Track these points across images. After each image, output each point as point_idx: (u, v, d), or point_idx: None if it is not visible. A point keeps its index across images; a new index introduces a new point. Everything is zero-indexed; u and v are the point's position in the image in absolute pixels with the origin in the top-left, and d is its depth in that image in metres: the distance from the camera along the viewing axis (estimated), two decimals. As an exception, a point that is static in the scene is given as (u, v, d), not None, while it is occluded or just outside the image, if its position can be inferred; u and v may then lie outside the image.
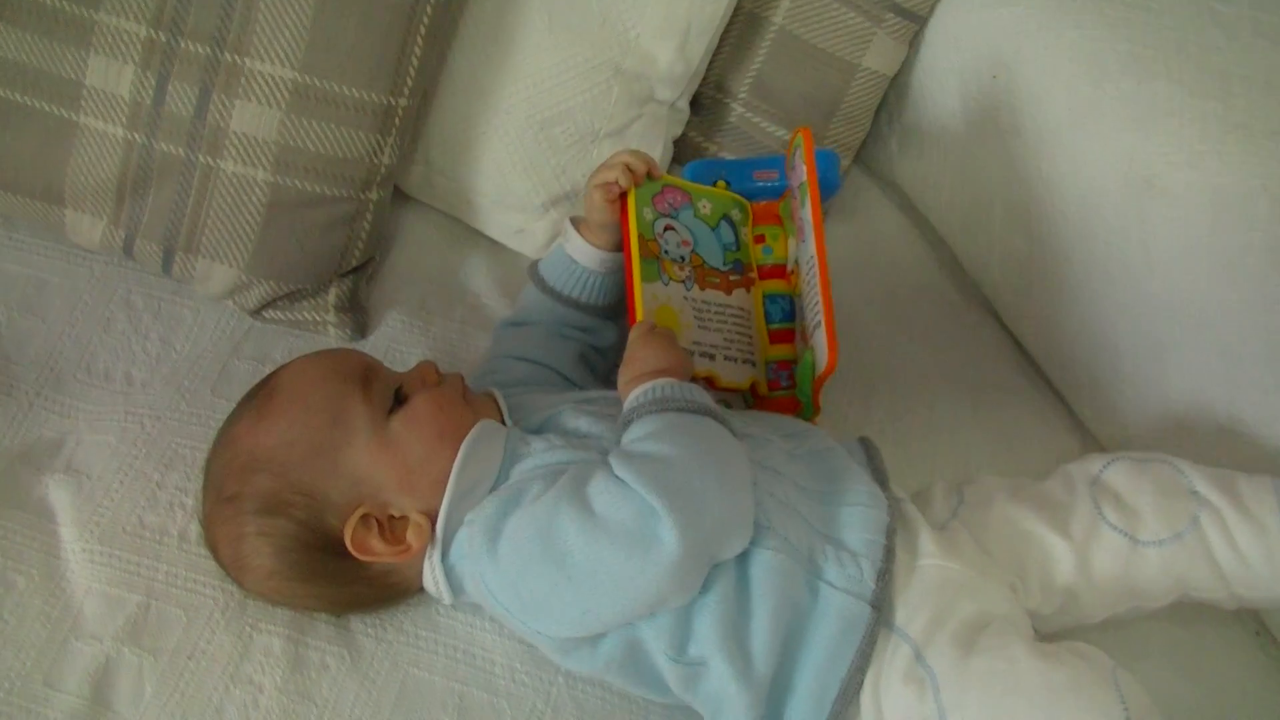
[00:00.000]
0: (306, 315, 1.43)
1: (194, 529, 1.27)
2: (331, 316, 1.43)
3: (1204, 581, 1.18)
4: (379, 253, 1.50)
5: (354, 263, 1.43)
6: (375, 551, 1.15)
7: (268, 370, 1.38)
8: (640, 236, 1.25)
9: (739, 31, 1.54)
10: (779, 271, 1.37)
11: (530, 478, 1.12)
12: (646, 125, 1.49)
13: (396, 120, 1.37)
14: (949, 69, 1.54)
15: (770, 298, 1.35)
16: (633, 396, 1.12)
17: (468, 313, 1.51)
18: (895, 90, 1.61)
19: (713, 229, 1.34)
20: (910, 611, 1.11)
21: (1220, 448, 1.30)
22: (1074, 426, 1.50)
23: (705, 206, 1.34)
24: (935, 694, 1.05)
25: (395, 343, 1.46)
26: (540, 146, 1.47)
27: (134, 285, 1.49)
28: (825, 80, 1.54)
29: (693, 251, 1.31)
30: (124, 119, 1.36)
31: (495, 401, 1.24)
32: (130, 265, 1.50)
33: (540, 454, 1.15)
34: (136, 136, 1.36)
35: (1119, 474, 1.22)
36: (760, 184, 1.38)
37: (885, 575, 1.11)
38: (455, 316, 1.50)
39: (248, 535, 1.17)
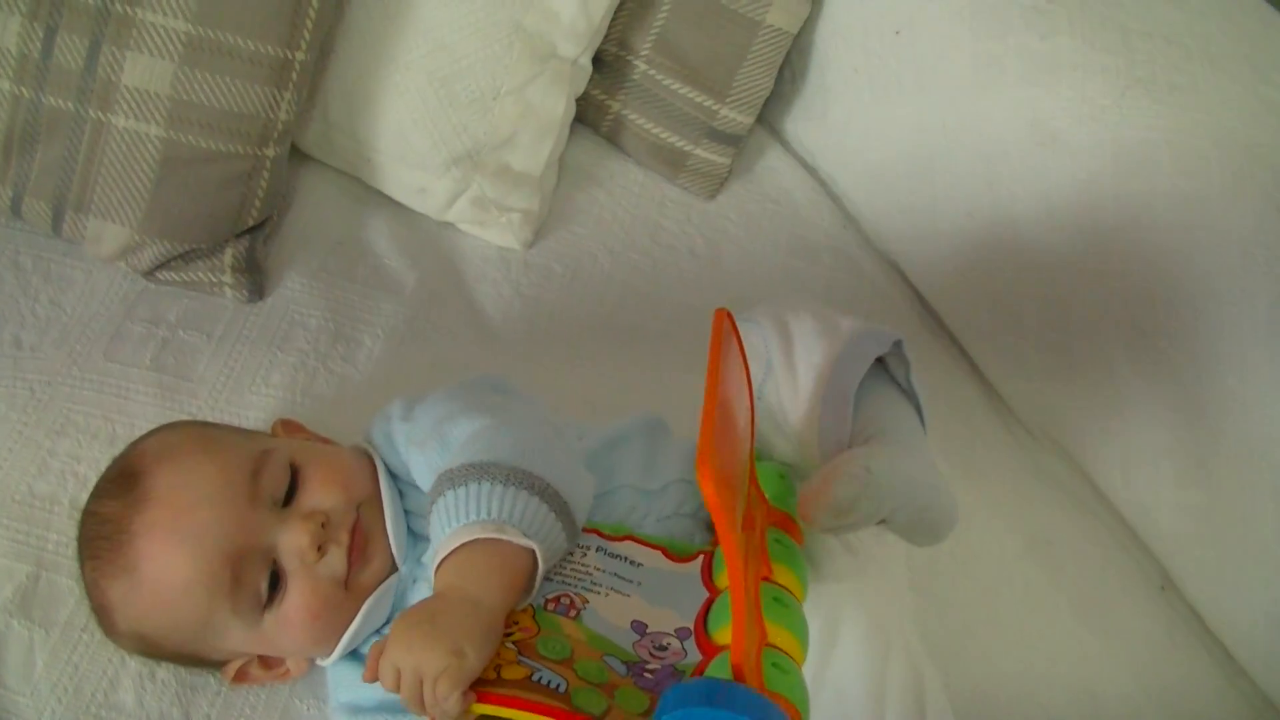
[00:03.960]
0: (201, 276, 1.39)
1: (84, 495, 1.22)
2: (228, 277, 1.39)
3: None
4: (277, 212, 1.47)
5: (250, 222, 1.39)
6: (256, 681, 1.17)
7: (161, 334, 1.36)
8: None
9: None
10: None
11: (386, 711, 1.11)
12: (548, 82, 1.47)
13: (294, 75, 1.33)
14: (852, 25, 1.53)
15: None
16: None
17: (369, 274, 1.47)
18: (798, 48, 1.59)
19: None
20: None
21: (1115, 400, 1.32)
22: (975, 376, 1.51)
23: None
24: None
25: (294, 304, 1.42)
26: (440, 103, 1.44)
27: (22, 246, 1.44)
28: (729, 37, 1.52)
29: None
30: (11, 73, 1.30)
31: (372, 468, 1.17)
32: (18, 225, 1.44)
33: None
34: (24, 91, 1.31)
35: None
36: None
37: None
38: (357, 278, 1.47)
39: (119, 642, 1.15)
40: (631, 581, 1.00)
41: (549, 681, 0.87)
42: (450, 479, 1.00)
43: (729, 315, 0.91)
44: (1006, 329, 1.42)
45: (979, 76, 1.38)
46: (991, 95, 1.37)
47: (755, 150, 1.68)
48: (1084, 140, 1.29)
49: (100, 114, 1.31)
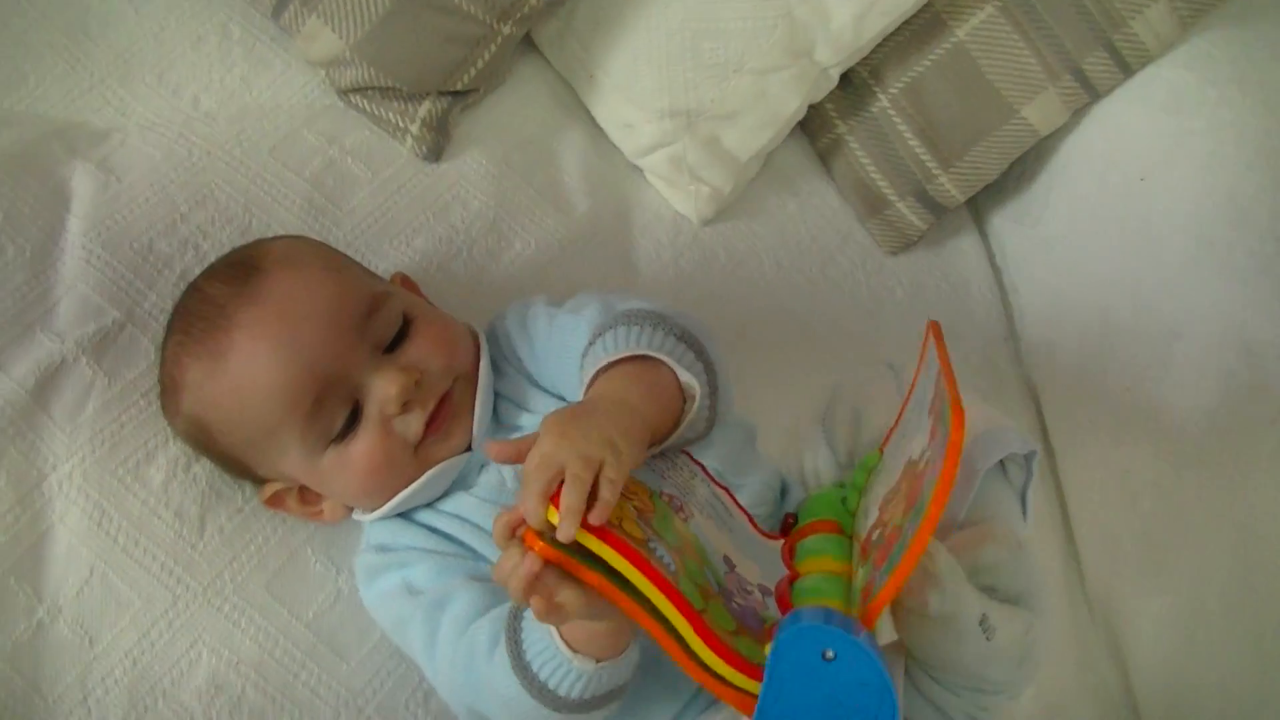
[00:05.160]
0: (392, 117, 1.37)
1: (198, 270, 1.21)
2: (415, 128, 1.37)
3: None
4: (485, 88, 1.44)
5: (458, 86, 1.38)
6: (289, 510, 1.15)
7: (331, 154, 1.34)
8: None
9: (918, 28, 1.47)
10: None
11: (416, 550, 1.11)
12: (791, 78, 1.43)
13: (560, -37, 1.31)
14: (1101, 152, 1.48)
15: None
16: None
17: (546, 183, 1.44)
18: (1039, 150, 1.54)
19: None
20: None
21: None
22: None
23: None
24: None
25: (464, 180, 1.40)
26: (683, 53, 1.41)
27: (237, 15, 1.44)
28: (979, 112, 1.47)
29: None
30: None
31: (476, 348, 1.16)
32: (244, -6, 1.44)
33: (455, 518, 1.11)
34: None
35: None
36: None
37: None
38: (533, 181, 1.43)
39: (174, 421, 1.14)
40: (725, 523, 0.99)
41: (661, 555, 0.85)
42: (625, 317, 1.01)
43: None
44: (1116, 504, 1.37)
45: (1197, 261, 1.33)
46: (1199, 286, 1.32)
47: (952, 225, 1.63)
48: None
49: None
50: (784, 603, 0.95)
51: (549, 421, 0.88)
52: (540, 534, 0.82)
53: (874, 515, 0.95)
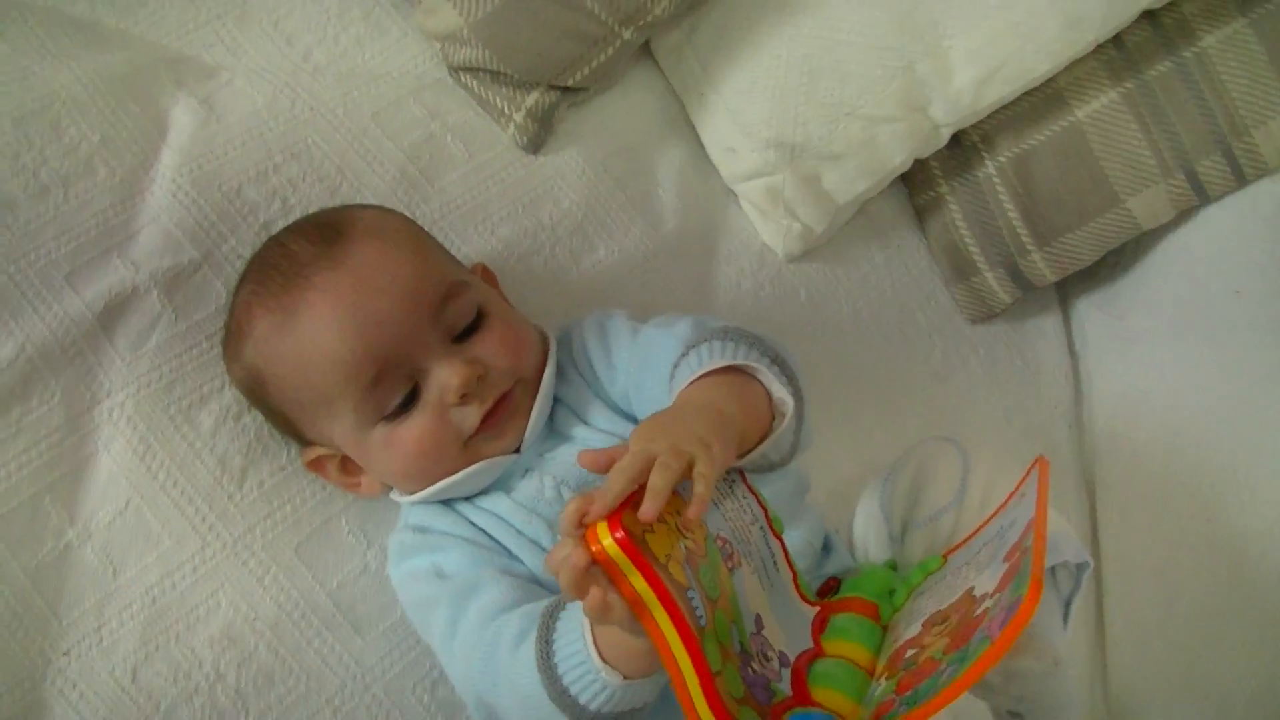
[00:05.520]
0: (498, 102, 1.37)
1: (281, 223, 1.21)
2: (519, 117, 1.36)
3: None
4: (595, 88, 1.43)
5: (569, 82, 1.37)
6: (328, 477, 1.16)
7: (432, 128, 1.34)
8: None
9: (1038, 101, 1.45)
10: None
11: (452, 537, 1.10)
12: (901, 132, 1.41)
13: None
14: (1198, 257, 1.46)
15: None
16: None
17: (639, 193, 1.43)
18: (1137, 244, 1.52)
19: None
20: None
21: None
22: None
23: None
24: None
25: (559, 178, 1.38)
26: (798, 87, 1.39)
27: (361, -21, 1.43)
28: (1084, 196, 1.45)
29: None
30: None
31: (545, 351, 1.15)
32: (371, -42, 1.43)
33: (492, 516, 1.11)
34: None
35: None
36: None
37: None
38: (626, 189, 1.42)
39: (232, 368, 1.15)
40: (768, 578, 0.97)
41: (696, 606, 0.83)
42: (720, 333, 1.01)
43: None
44: (1154, 606, 1.35)
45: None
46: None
47: (1037, 303, 1.61)
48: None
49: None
50: (799, 679, 0.93)
51: (642, 425, 0.88)
52: (601, 535, 0.79)
53: (916, 627, 0.93)
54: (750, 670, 0.88)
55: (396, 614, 1.16)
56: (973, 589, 0.91)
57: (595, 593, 0.80)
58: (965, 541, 1.05)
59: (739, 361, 0.99)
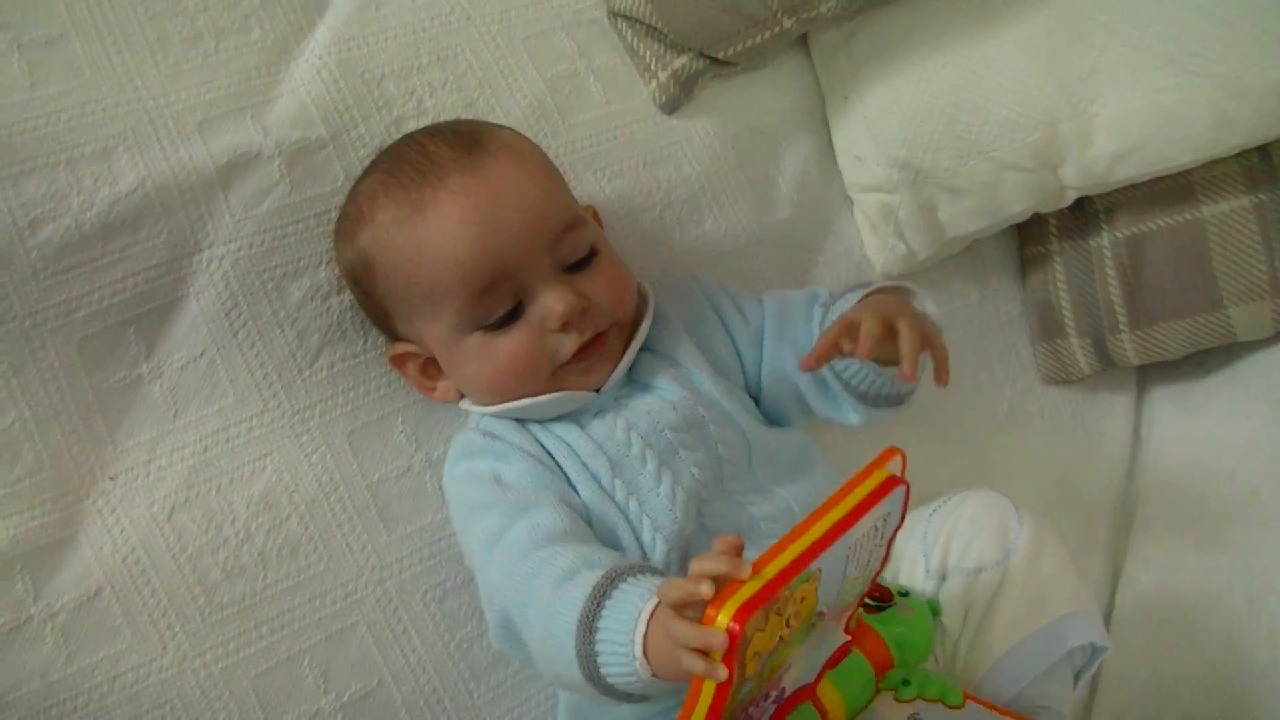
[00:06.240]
0: (647, 57, 1.38)
1: (412, 125, 1.24)
2: (663, 76, 1.38)
3: None
4: (744, 66, 1.44)
5: (720, 54, 1.38)
6: (407, 375, 1.19)
7: (577, 66, 1.36)
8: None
9: (1168, 187, 1.44)
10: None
11: (520, 450, 1.12)
12: (1027, 183, 1.40)
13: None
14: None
15: None
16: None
17: (759, 176, 1.44)
18: (1227, 352, 1.51)
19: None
20: None
21: None
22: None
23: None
24: None
25: (684, 143, 1.40)
26: (940, 115, 1.40)
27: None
28: (1188, 291, 1.44)
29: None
30: None
31: (644, 308, 1.19)
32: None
33: (562, 442, 1.13)
34: None
35: None
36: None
37: None
38: (747, 170, 1.43)
39: (343, 250, 1.17)
40: (828, 633, 0.98)
41: (741, 693, 0.84)
42: (863, 284, 1.17)
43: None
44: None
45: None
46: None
47: (1114, 381, 1.60)
48: None
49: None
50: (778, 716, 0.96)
51: (867, 303, 1.08)
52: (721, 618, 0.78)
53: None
54: (746, 713, 0.91)
55: (426, 519, 1.20)
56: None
57: (688, 659, 0.80)
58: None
59: (899, 284, 1.16)
